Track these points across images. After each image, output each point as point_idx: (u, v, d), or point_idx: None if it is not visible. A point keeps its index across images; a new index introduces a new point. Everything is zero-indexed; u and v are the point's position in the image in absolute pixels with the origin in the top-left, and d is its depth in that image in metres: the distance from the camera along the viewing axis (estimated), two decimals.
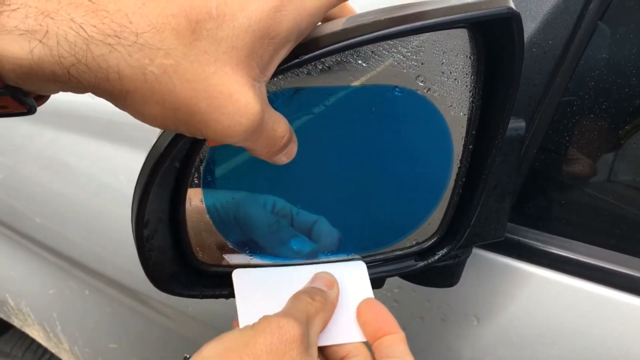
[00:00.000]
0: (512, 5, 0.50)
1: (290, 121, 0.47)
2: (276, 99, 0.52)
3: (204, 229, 0.59)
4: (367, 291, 0.60)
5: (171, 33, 0.37)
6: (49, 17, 0.36)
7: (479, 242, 0.69)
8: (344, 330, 0.57)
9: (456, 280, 0.72)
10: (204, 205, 0.58)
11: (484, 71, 0.57)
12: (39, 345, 1.52)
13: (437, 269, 0.69)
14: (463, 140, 0.60)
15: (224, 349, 0.47)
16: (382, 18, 0.47)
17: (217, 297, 0.61)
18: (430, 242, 0.66)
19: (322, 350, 0.55)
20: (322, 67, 0.52)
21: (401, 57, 0.55)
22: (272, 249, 0.62)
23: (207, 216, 0.59)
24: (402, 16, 0.48)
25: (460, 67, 0.56)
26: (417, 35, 0.54)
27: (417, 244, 0.66)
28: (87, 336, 1.30)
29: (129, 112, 0.40)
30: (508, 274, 0.71)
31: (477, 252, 0.72)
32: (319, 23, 0.47)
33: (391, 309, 0.58)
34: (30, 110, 0.39)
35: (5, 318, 1.50)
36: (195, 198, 0.57)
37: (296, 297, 0.55)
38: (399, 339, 0.55)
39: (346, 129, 0.58)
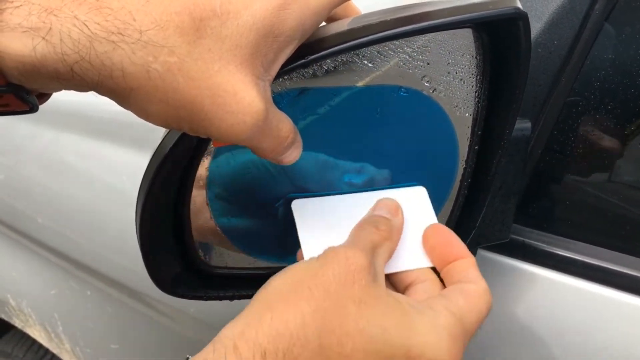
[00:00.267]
0: (519, 5, 0.49)
1: (296, 122, 0.47)
2: (281, 99, 0.52)
3: (208, 230, 0.59)
4: (431, 216, 0.58)
5: (175, 31, 0.37)
6: (52, 14, 0.35)
7: (484, 244, 0.69)
8: (410, 256, 0.55)
9: None
10: (209, 207, 0.58)
11: (489, 71, 0.57)
12: (40, 346, 1.52)
13: None
14: (468, 140, 0.60)
15: (293, 281, 0.46)
16: (388, 18, 0.47)
17: (221, 298, 0.61)
18: None
19: (388, 277, 0.53)
20: (328, 68, 0.52)
21: (407, 57, 0.54)
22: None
23: (212, 218, 0.59)
24: (408, 16, 0.48)
25: (466, 67, 0.56)
26: (423, 36, 0.54)
27: None
28: (88, 337, 1.30)
29: (132, 111, 0.40)
30: (513, 275, 0.71)
31: (482, 253, 0.72)
32: (324, 23, 0.47)
33: None
34: (33, 109, 0.39)
35: (6, 318, 1.50)
36: (200, 199, 0.57)
37: (360, 226, 0.54)
38: (469, 263, 0.53)
39: (351, 129, 0.58)
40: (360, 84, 0.55)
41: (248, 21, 0.39)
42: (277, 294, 0.45)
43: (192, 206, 0.56)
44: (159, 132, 0.50)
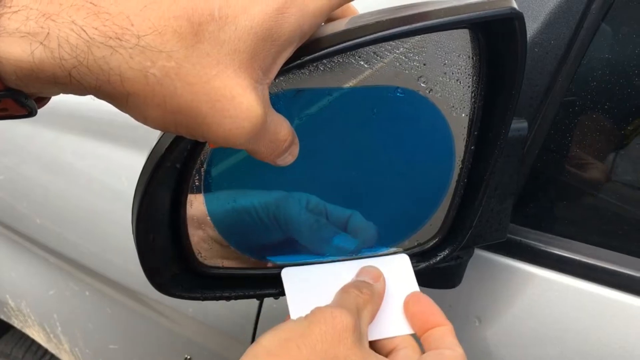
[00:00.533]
0: (514, 5, 0.49)
1: (292, 122, 0.46)
2: (278, 100, 0.52)
3: (204, 231, 0.59)
4: (412, 284, 0.61)
5: (173, 35, 0.37)
6: (50, 19, 0.35)
7: (481, 243, 0.69)
8: (392, 323, 0.58)
9: (458, 281, 0.72)
10: (205, 207, 0.58)
11: (486, 72, 0.57)
12: (39, 346, 1.53)
13: (438, 270, 0.69)
14: (465, 141, 0.60)
15: (281, 339, 0.49)
16: (384, 19, 0.47)
17: (217, 299, 0.61)
18: (432, 243, 0.66)
19: (372, 344, 0.56)
20: (324, 68, 0.52)
21: (403, 57, 0.54)
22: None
23: (208, 218, 0.59)
24: (404, 17, 0.48)
25: (463, 67, 0.56)
26: (419, 36, 0.54)
27: (419, 245, 0.66)
28: (87, 337, 1.30)
29: (130, 115, 0.40)
30: (510, 274, 0.71)
31: (479, 253, 0.72)
32: (322, 24, 0.47)
33: None
34: (31, 113, 0.39)
35: (5, 319, 1.50)
36: (196, 200, 0.57)
37: (344, 290, 0.57)
38: (447, 331, 0.56)
39: (347, 130, 0.58)
40: (356, 84, 0.55)
41: (246, 25, 0.39)
42: (266, 351, 0.48)
43: (188, 207, 0.56)
44: (158, 134, 0.50)
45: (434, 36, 0.54)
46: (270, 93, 0.44)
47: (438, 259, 0.66)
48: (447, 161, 0.61)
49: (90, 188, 1.14)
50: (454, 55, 0.55)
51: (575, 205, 0.73)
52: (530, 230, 0.72)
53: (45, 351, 1.52)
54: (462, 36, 0.55)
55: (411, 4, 0.49)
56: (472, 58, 0.56)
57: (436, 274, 0.70)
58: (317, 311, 0.51)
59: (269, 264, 0.63)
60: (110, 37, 0.36)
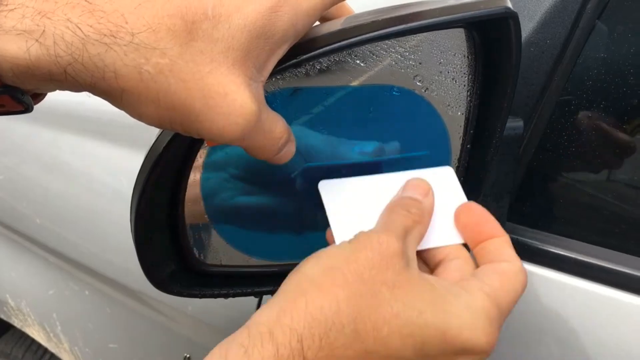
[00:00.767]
0: (509, 4, 0.50)
1: (289, 121, 0.47)
2: (274, 99, 0.52)
3: (202, 228, 0.59)
4: (461, 196, 0.57)
5: (167, 33, 0.38)
6: (46, 17, 0.36)
7: None
8: (441, 233, 0.54)
9: None
10: (202, 203, 0.58)
11: (481, 70, 0.57)
12: (39, 346, 1.53)
13: None
14: (461, 139, 0.61)
15: (325, 266, 0.46)
16: (380, 18, 0.48)
17: (215, 296, 0.61)
18: None
19: (419, 254, 0.52)
20: (320, 67, 0.52)
21: (399, 56, 0.55)
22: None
23: (206, 215, 0.59)
24: (399, 16, 0.48)
25: (458, 66, 0.57)
26: (415, 35, 0.54)
27: None
28: (87, 336, 1.30)
29: (125, 111, 0.41)
30: None
31: None
32: (317, 23, 0.48)
33: None
34: (28, 109, 0.40)
35: (5, 318, 1.50)
36: (194, 196, 0.57)
37: (391, 209, 0.52)
38: (504, 242, 0.52)
39: (344, 129, 0.58)
40: (352, 83, 0.55)
41: (240, 24, 0.40)
42: (310, 280, 0.45)
43: (186, 204, 0.56)
44: (156, 134, 0.50)
45: (430, 35, 0.55)
46: (266, 92, 0.44)
47: None
48: (443, 160, 0.62)
49: (90, 188, 1.15)
50: (449, 54, 0.56)
51: (572, 203, 0.73)
52: (526, 228, 0.72)
53: (45, 350, 1.52)
54: (458, 35, 0.55)
55: (407, 3, 0.50)
56: (468, 57, 0.56)
57: None
58: (362, 236, 0.48)
59: (267, 262, 0.64)
60: (105, 35, 0.36)
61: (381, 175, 0.57)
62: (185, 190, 0.55)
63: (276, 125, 0.45)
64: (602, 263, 0.67)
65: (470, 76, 0.57)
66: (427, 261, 0.54)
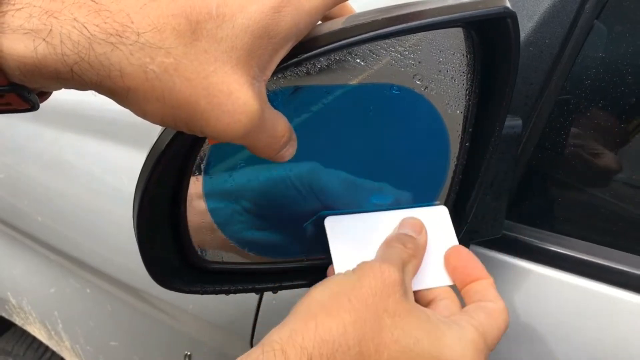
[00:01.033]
0: (507, 4, 0.50)
1: (290, 120, 0.47)
2: (275, 98, 0.53)
3: (204, 226, 0.60)
4: (451, 236, 0.62)
5: (172, 33, 0.38)
6: (53, 16, 0.36)
7: (476, 239, 0.70)
8: (433, 275, 0.59)
9: None
10: (204, 202, 0.59)
11: (480, 69, 0.57)
12: (40, 344, 1.53)
13: None
14: (460, 138, 0.61)
15: (333, 292, 0.50)
16: (380, 17, 0.48)
17: (217, 293, 0.62)
18: None
19: (413, 293, 0.56)
20: (321, 66, 0.53)
21: (398, 55, 0.55)
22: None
23: (208, 213, 0.59)
24: (399, 15, 0.48)
25: (457, 65, 0.57)
26: (414, 34, 0.54)
27: None
28: (88, 334, 1.30)
29: (130, 109, 0.41)
30: (505, 271, 0.72)
31: (475, 250, 0.72)
32: (319, 22, 0.48)
33: None
34: (34, 107, 0.40)
35: (6, 316, 1.50)
36: (196, 195, 0.58)
37: (389, 244, 0.58)
38: (489, 284, 0.57)
39: (344, 127, 0.59)
40: (352, 82, 0.56)
41: (243, 23, 0.40)
42: (319, 304, 0.49)
43: (188, 202, 0.57)
44: (158, 133, 0.50)
45: (429, 35, 0.55)
46: (268, 90, 0.45)
47: None
48: (442, 158, 0.62)
49: (91, 186, 1.15)
50: (448, 54, 0.56)
51: (571, 202, 0.73)
52: (525, 226, 0.72)
53: (47, 348, 1.52)
54: (457, 35, 0.55)
55: (406, 3, 0.50)
56: (467, 56, 0.57)
57: None
58: (365, 266, 0.52)
59: (268, 259, 0.64)
60: (111, 34, 0.37)
61: (380, 213, 0.62)
62: (187, 188, 0.56)
63: (278, 124, 0.46)
64: (601, 261, 0.67)
65: (469, 75, 0.58)
66: (419, 300, 0.58)
